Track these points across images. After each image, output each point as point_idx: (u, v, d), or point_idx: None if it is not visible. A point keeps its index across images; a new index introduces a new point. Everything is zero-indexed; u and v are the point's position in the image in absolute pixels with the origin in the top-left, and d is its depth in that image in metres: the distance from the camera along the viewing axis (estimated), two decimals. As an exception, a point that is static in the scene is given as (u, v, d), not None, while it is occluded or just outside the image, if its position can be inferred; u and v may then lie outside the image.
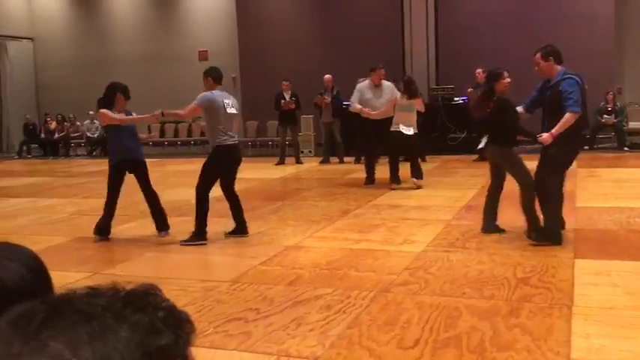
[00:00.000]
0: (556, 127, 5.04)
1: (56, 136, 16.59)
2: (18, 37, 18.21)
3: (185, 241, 5.70)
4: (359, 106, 8.88)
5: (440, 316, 3.64)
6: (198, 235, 5.70)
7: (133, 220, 7.01)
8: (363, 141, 9.38)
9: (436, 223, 6.16)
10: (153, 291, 0.51)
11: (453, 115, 12.45)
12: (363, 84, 9.10)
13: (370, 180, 9.02)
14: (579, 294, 3.96)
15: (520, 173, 5.39)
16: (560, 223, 5.36)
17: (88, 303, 0.47)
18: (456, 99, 12.73)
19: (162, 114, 6.16)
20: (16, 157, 16.51)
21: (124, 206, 7.80)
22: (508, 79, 5.60)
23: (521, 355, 3.07)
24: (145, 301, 0.48)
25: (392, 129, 8.32)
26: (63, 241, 6.07)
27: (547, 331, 3.37)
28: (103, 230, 6.02)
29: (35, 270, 0.74)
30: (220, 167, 5.81)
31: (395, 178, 8.55)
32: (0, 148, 17.78)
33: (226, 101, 5.74)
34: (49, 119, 16.82)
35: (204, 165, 5.82)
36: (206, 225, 5.73)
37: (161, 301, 0.49)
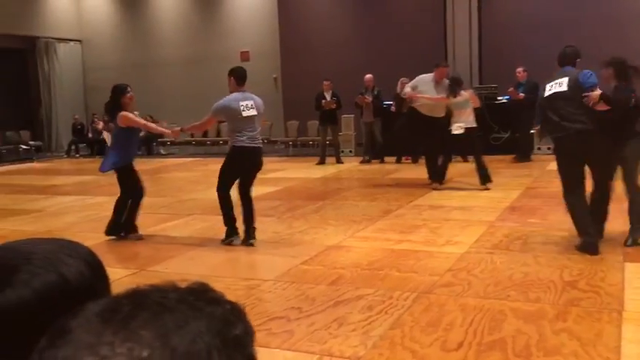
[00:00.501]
0: None
1: (103, 135, 17.00)
2: (67, 40, 18.75)
3: (223, 240, 5.80)
4: (409, 89, 8.66)
5: (484, 318, 3.58)
6: (230, 233, 5.77)
7: (177, 218, 7.13)
8: (417, 140, 9.11)
9: (479, 225, 6.07)
10: (210, 287, 0.52)
11: (496, 114, 12.23)
12: (424, 76, 8.73)
13: (437, 176, 8.58)
14: (630, 299, 3.84)
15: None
16: None
17: (163, 296, 0.49)
18: (499, 98, 12.52)
19: (182, 130, 6.27)
20: (65, 156, 17.00)
21: (169, 204, 7.96)
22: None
23: (568, 360, 3.00)
24: (211, 295, 0.51)
25: (449, 128, 8.23)
26: (109, 239, 6.21)
27: (596, 336, 3.29)
28: (117, 230, 6.15)
29: (94, 266, 0.75)
30: (235, 167, 5.77)
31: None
32: (49, 148, 18.34)
33: (243, 103, 5.67)
34: (96, 119, 17.25)
35: (222, 165, 5.84)
36: (235, 221, 5.79)
37: (221, 295, 0.51)
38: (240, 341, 0.48)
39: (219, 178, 5.82)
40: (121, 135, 6.13)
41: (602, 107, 4.90)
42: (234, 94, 5.76)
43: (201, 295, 0.50)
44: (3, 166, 14.74)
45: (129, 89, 6.23)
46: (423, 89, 8.52)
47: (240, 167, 5.79)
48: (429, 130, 8.44)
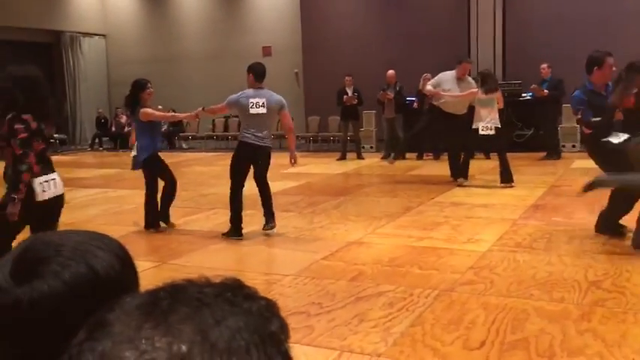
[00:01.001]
0: None
1: (126, 129, 17.17)
2: (91, 34, 18.96)
3: (224, 234, 5.82)
4: (431, 87, 8.51)
5: (506, 317, 3.55)
6: (234, 232, 5.77)
7: (198, 212, 7.17)
8: (438, 137, 8.98)
9: (502, 222, 6.01)
10: (243, 283, 0.52)
11: (520, 111, 12.10)
12: (447, 74, 8.59)
13: (460, 173, 8.48)
14: (656, 300, 3.77)
15: None
16: None
17: (201, 292, 0.48)
18: (523, 95, 12.37)
19: (204, 109, 6.24)
20: (89, 149, 17.21)
21: (191, 198, 8.01)
22: None
23: (593, 362, 2.96)
24: (247, 291, 0.51)
25: (473, 127, 8.13)
26: (132, 231, 6.28)
27: (621, 337, 3.23)
28: (153, 222, 6.21)
29: (123, 259, 0.76)
30: (240, 162, 5.81)
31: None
32: (73, 141, 18.58)
33: (253, 101, 5.68)
34: (119, 113, 17.43)
35: (230, 162, 5.90)
36: (241, 221, 5.78)
37: (255, 291, 0.51)
38: (276, 337, 0.48)
39: (230, 174, 5.87)
40: (143, 129, 6.20)
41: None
42: (248, 90, 5.81)
43: (237, 291, 0.50)
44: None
45: (149, 85, 6.30)
46: (446, 87, 8.39)
47: (245, 162, 5.83)
48: (451, 128, 8.36)
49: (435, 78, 8.74)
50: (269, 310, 0.50)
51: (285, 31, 16.45)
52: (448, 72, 8.59)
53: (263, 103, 5.70)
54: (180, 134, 16.47)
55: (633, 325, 3.39)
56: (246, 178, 5.87)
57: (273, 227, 5.81)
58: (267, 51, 16.66)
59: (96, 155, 16.08)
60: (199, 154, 14.88)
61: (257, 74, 5.81)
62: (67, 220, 7.00)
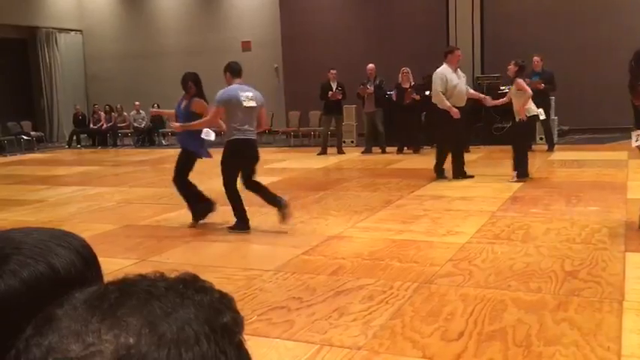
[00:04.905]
0: None
1: (104, 126, 17.00)
2: (67, 30, 18.70)
3: (231, 227, 5.85)
4: (447, 103, 8.06)
5: (485, 308, 3.58)
6: (242, 226, 5.83)
7: (178, 208, 7.11)
8: (445, 132, 8.35)
9: (480, 215, 6.06)
10: (199, 277, 0.52)
11: (498, 105, 12.18)
12: (445, 70, 8.16)
13: (463, 173, 8.27)
14: (631, 289, 3.83)
15: None
16: None
17: (151, 284, 0.48)
18: (502, 88, 12.45)
19: (182, 127, 6.15)
20: (66, 146, 16.99)
21: (170, 195, 7.95)
22: None
23: (569, 350, 3.00)
24: (199, 284, 0.50)
25: (530, 115, 7.97)
26: (111, 229, 6.22)
27: (597, 326, 3.28)
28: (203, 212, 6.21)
29: (86, 257, 0.75)
30: (237, 160, 5.80)
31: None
32: (50, 138, 18.34)
33: (243, 94, 5.73)
34: (96, 108, 17.23)
35: (223, 160, 5.82)
36: (245, 212, 5.84)
37: (210, 284, 0.51)
38: (228, 329, 0.48)
39: (223, 173, 5.82)
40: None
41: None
42: (234, 86, 5.80)
43: (189, 284, 0.50)
44: (4, 157, 14.75)
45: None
46: (454, 82, 8.14)
47: (242, 160, 5.81)
48: (462, 122, 8.17)
49: (439, 78, 8.15)
50: (222, 302, 0.49)
51: (264, 25, 16.38)
52: (443, 67, 8.22)
53: (253, 97, 5.78)
54: (160, 130, 16.35)
55: (609, 314, 3.45)
56: None
57: (287, 202, 5.86)
58: (246, 46, 16.58)
59: (74, 152, 15.89)
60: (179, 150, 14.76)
61: (234, 71, 5.86)
62: (44, 218, 6.95)
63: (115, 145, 16.72)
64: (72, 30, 18.80)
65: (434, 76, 8.31)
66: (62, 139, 17.99)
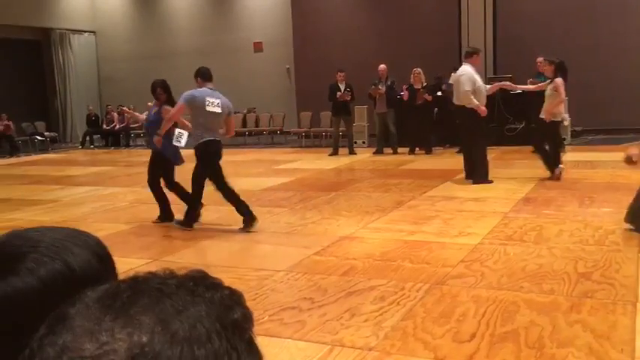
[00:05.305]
0: None
1: (117, 127, 17.11)
2: (81, 31, 18.85)
3: (243, 227, 5.88)
4: (476, 102, 7.94)
5: (497, 310, 3.57)
6: (250, 219, 5.88)
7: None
8: (469, 133, 8.21)
9: (493, 216, 6.04)
10: (208, 274, 0.53)
11: (510, 105, 12.13)
12: (468, 70, 8.04)
13: (486, 178, 8.02)
14: (645, 291, 3.80)
15: None
16: None
17: (162, 283, 0.49)
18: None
19: (158, 134, 6.23)
20: (80, 147, 17.13)
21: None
22: None
23: (582, 352, 2.98)
24: (209, 281, 0.51)
25: (556, 119, 7.96)
26: (124, 229, 6.26)
27: (610, 328, 3.26)
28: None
29: (101, 256, 0.75)
30: (206, 164, 5.92)
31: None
32: (64, 139, 18.49)
33: (209, 100, 5.82)
34: (109, 109, 17.35)
35: (197, 168, 5.96)
36: (247, 204, 5.92)
37: (220, 281, 0.51)
38: (239, 325, 0.48)
39: (211, 179, 5.95)
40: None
41: None
42: (203, 89, 5.93)
43: (199, 281, 0.50)
44: (19, 157, 14.89)
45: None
46: (478, 83, 8.05)
47: (211, 162, 5.92)
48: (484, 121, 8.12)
49: (467, 79, 7.97)
50: (232, 299, 0.50)
51: (276, 26, 16.41)
52: (466, 68, 8.06)
53: (218, 104, 5.88)
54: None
55: (622, 316, 3.42)
56: None
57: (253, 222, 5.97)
58: (258, 46, 16.63)
59: (87, 153, 16.01)
60: (190, 151, 14.81)
61: (204, 75, 5.99)
62: (58, 218, 7.00)
63: (127, 145, 16.82)
64: (85, 31, 18.96)
65: (461, 78, 8.06)
66: (75, 139, 18.14)
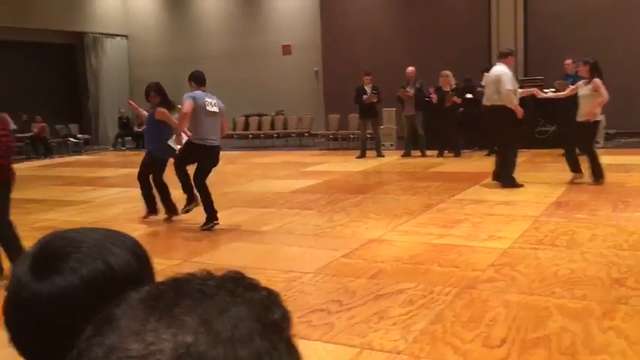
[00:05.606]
0: None
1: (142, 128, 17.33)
2: (113, 35, 19.19)
3: (204, 226, 6.13)
4: (516, 103, 7.86)
5: (528, 315, 3.52)
6: (210, 220, 6.12)
7: (219, 210, 7.20)
8: (504, 134, 8.04)
9: (523, 220, 5.96)
10: (245, 274, 0.54)
11: (541, 107, 11.95)
12: (506, 71, 7.94)
13: (514, 181, 7.88)
14: (681, 298, 3.71)
15: None
16: None
17: (202, 284, 0.50)
18: (545, 91, 12.22)
19: (177, 134, 6.42)
20: (111, 148, 17.42)
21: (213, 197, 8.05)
22: None
23: (615, 359, 2.92)
24: (247, 282, 0.52)
25: (597, 119, 7.92)
26: (154, 230, 6.34)
27: (645, 335, 3.19)
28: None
29: (139, 256, 0.77)
30: (204, 161, 6.13)
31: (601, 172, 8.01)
32: (96, 140, 18.83)
33: (208, 100, 6.06)
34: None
35: (197, 168, 6.18)
36: (214, 209, 6.16)
37: (257, 281, 0.53)
38: (278, 325, 0.49)
39: (181, 163, 6.26)
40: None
41: None
42: (198, 91, 6.12)
43: (238, 282, 0.51)
44: (53, 159, 15.21)
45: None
46: (514, 83, 7.99)
47: (207, 162, 6.16)
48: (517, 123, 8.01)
49: (508, 79, 7.83)
50: (270, 299, 0.51)
51: (304, 29, 16.47)
52: (502, 69, 7.94)
53: (215, 104, 6.13)
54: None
55: (658, 323, 3.35)
56: None
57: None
58: (286, 49, 16.71)
59: (118, 155, 16.27)
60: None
61: (197, 79, 6.20)
62: (90, 218, 7.13)
63: (157, 147, 17.01)
64: (118, 35, 19.29)
65: (503, 77, 7.89)
66: (107, 141, 18.45)
